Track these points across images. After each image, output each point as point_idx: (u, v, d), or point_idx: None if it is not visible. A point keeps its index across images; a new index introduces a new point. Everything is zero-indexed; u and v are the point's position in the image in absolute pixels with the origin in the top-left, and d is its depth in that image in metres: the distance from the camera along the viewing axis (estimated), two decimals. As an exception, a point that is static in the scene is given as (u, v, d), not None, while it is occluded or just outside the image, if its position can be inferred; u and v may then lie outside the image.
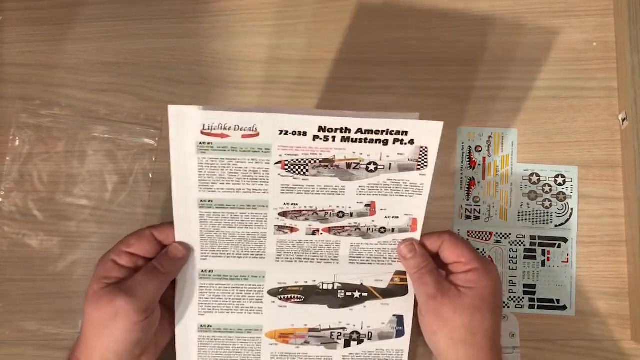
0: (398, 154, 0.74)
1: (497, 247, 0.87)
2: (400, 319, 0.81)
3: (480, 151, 0.88)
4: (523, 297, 0.86)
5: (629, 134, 0.84)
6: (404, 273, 0.80)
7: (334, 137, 0.72)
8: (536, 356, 0.85)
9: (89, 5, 0.91)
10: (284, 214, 0.76)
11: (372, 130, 0.72)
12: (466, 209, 0.87)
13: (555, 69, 0.89)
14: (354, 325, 0.81)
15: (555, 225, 0.87)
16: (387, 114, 0.72)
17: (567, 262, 0.86)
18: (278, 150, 0.72)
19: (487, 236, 0.87)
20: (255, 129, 0.71)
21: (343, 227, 0.78)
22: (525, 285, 0.86)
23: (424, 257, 0.77)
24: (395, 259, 0.80)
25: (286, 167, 0.74)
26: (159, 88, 0.89)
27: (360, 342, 0.81)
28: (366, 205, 0.77)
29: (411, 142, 0.73)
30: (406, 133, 0.72)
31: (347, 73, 0.89)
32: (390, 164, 0.74)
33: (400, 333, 0.82)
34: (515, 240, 0.87)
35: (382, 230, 0.78)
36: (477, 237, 0.87)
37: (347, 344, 0.81)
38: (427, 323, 0.76)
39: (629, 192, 0.85)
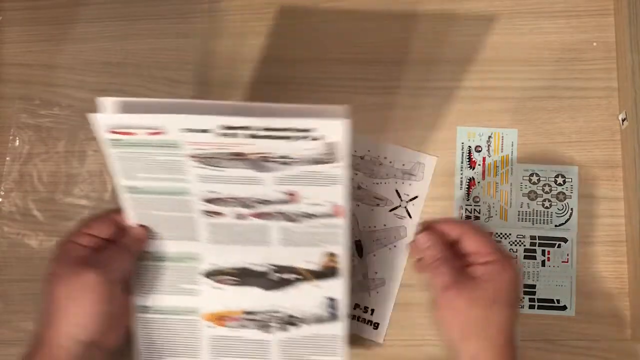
0: (308, 149, 0.71)
1: (498, 247, 0.87)
2: (333, 302, 0.81)
3: (480, 151, 0.88)
4: (523, 297, 0.86)
5: (629, 134, 0.84)
6: (334, 255, 0.79)
7: (237, 134, 0.70)
8: (536, 356, 0.85)
9: (89, 5, 0.91)
10: (209, 201, 0.77)
11: (277, 129, 0.69)
12: (466, 209, 0.87)
13: (555, 69, 0.89)
14: (288, 308, 0.81)
15: (555, 226, 0.87)
16: (299, 108, 0.70)
17: (567, 262, 0.86)
18: (186, 144, 0.71)
19: (488, 236, 0.87)
20: (160, 129, 0.70)
21: (269, 212, 0.77)
22: (525, 285, 0.86)
23: (440, 248, 0.77)
24: (326, 241, 0.79)
25: (199, 160, 0.73)
26: (159, 88, 0.89)
27: (295, 325, 0.81)
28: (288, 194, 0.76)
29: (319, 138, 0.70)
30: (311, 130, 0.69)
31: (347, 73, 0.89)
32: (302, 157, 0.72)
33: (334, 317, 0.81)
34: (515, 240, 0.87)
35: (309, 216, 0.78)
36: (478, 237, 0.87)
37: (282, 328, 0.81)
38: (441, 314, 0.75)
39: (629, 192, 0.85)
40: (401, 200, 0.87)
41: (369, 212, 0.87)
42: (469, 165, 0.88)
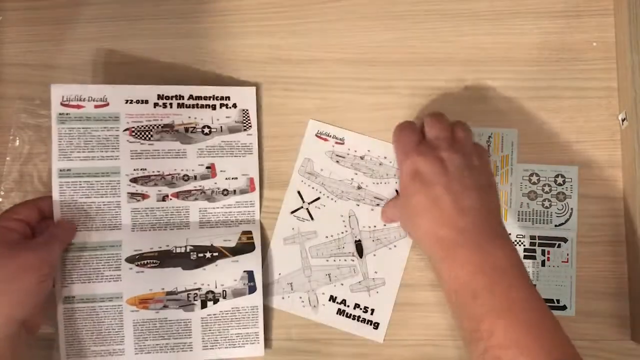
0: (226, 117, 0.87)
1: (498, 247, 0.87)
2: (250, 275, 0.85)
3: (480, 151, 0.88)
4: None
5: (629, 134, 0.84)
6: (250, 232, 0.86)
7: (171, 104, 0.86)
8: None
9: (89, 5, 0.91)
10: (134, 180, 0.85)
11: (201, 97, 0.86)
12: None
13: (555, 69, 0.89)
14: (208, 285, 0.85)
15: (555, 225, 0.87)
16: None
17: (567, 262, 0.86)
18: (125, 117, 0.84)
19: (488, 236, 0.87)
20: (106, 99, 0.84)
21: (189, 191, 0.86)
22: (525, 285, 0.86)
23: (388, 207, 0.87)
24: (240, 221, 0.87)
25: (133, 134, 0.84)
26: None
27: (215, 301, 0.85)
28: (207, 167, 0.87)
29: (234, 105, 0.87)
30: (229, 98, 0.87)
31: (347, 73, 0.89)
32: (221, 127, 0.87)
33: (252, 289, 0.85)
34: (515, 240, 0.87)
35: (225, 193, 0.87)
36: (478, 236, 0.87)
37: (203, 305, 0.85)
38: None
39: (628, 192, 0.85)
40: None
41: (369, 212, 0.87)
42: (469, 166, 0.88)
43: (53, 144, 0.83)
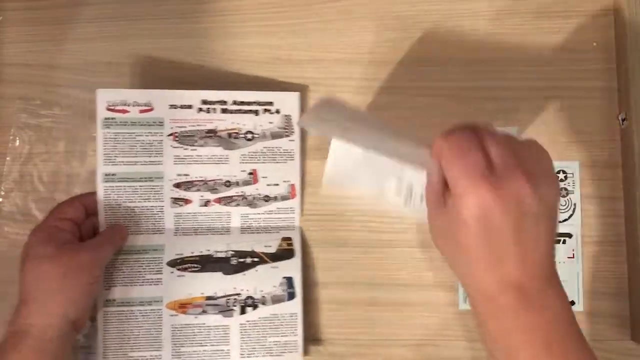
0: (269, 122, 0.87)
1: (500, 246, 0.86)
2: (290, 281, 0.85)
3: (480, 151, 0.88)
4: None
5: (629, 134, 0.84)
6: (289, 239, 0.86)
7: (214, 109, 0.86)
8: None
9: (89, 5, 0.91)
10: (178, 185, 0.85)
11: (244, 102, 0.86)
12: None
13: (555, 69, 0.89)
14: (248, 290, 0.85)
15: (560, 221, 0.87)
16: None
17: (573, 257, 0.87)
18: (170, 123, 0.85)
19: (490, 235, 0.87)
20: (150, 104, 0.84)
21: (231, 196, 0.86)
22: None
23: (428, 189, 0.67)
24: (281, 227, 0.87)
25: (177, 139, 0.85)
26: (159, 88, 0.89)
27: (255, 307, 0.84)
28: (249, 173, 0.87)
29: (277, 111, 0.87)
30: (272, 103, 0.87)
31: (347, 73, 0.90)
32: (264, 133, 0.87)
33: (291, 295, 0.85)
34: (518, 239, 0.87)
35: (266, 199, 0.87)
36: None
37: (242, 311, 0.84)
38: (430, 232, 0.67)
39: (629, 192, 0.86)
40: None
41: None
42: (469, 165, 0.88)
43: (98, 148, 0.84)
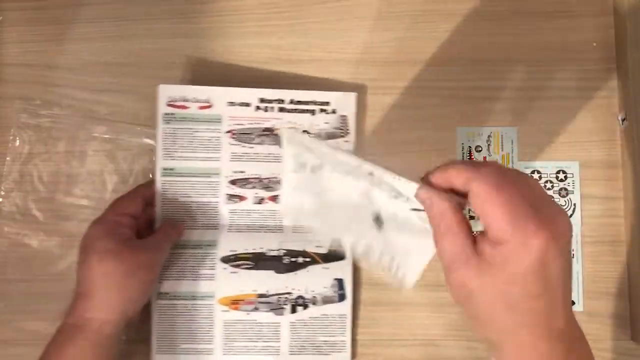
0: (324, 122, 0.87)
1: (501, 246, 0.86)
2: (340, 282, 0.86)
3: (480, 151, 0.88)
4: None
5: (629, 134, 0.85)
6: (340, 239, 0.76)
7: (272, 108, 0.86)
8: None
9: (89, 5, 0.91)
10: (233, 182, 0.86)
11: (302, 101, 0.87)
12: (469, 210, 0.87)
13: (555, 69, 0.89)
14: (299, 290, 0.85)
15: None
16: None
17: (573, 257, 0.87)
18: (228, 120, 0.86)
19: (491, 235, 0.87)
20: (209, 101, 0.85)
21: None
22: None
23: (440, 214, 0.59)
24: None
25: (235, 136, 0.86)
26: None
27: (305, 307, 0.85)
28: None
29: (333, 111, 0.87)
30: (328, 103, 0.87)
31: (348, 73, 0.90)
32: (319, 132, 0.87)
33: (342, 297, 0.85)
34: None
35: None
36: (481, 236, 0.87)
37: (293, 310, 0.85)
38: (454, 296, 0.58)
39: (629, 192, 0.86)
40: None
41: (389, 199, 0.64)
42: (469, 165, 0.88)
43: (158, 143, 0.85)
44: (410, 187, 0.62)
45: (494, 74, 0.89)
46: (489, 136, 0.88)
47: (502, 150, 0.88)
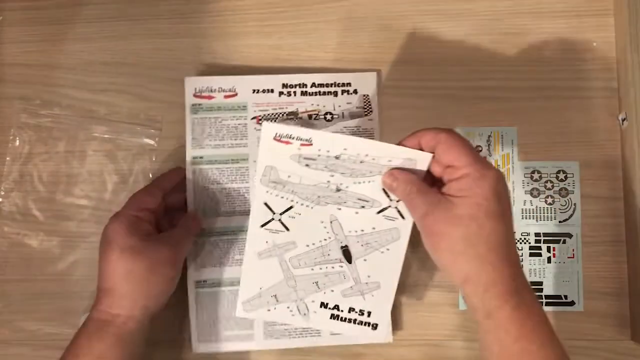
0: (347, 103, 0.89)
1: (502, 246, 0.87)
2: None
3: (480, 151, 0.88)
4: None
5: (629, 134, 0.85)
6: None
7: (294, 92, 0.88)
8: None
9: (89, 5, 0.91)
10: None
11: (323, 84, 0.89)
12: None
13: (555, 69, 0.89)
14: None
15: (559, 221, 0.87)
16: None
17: (573, 257, 0.87)
18: (253, 107, 0.88)
19: (492, 235, 0.87)
20: (234, 90, 0.88)
21: None
22: (532, 283, 0.86)
23: (408, 181, 0.72)
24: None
25: (260, 122, 0.88)
26: (159, 88, 0.89)
27: None
28: None
29: (355, 91, 0.89)
30: (350, 84, 0.89)
31: (347, 73, 0.89)
32: (343, 113, 0.89)
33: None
34: (520, 239, 0.87)
35: None
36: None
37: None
38: (426, 241, 0.71)
39: (629, 192, 0.86)
40: (390, 200, 0.78)
41: (353, 216, 0.79)
42: (470, 165, 0.88)
43: (187, 133, 0.87)
44: (392, 150, 0.73)
45: (493, 74, 0.89)
46: (489, 136, 0.88)
47: (502, 150, 0.88)
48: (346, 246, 0.80)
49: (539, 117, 0.88)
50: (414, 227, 0.77)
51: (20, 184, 0.88)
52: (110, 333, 0.74)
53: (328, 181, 0.77)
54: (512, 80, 0.89)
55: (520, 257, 0.86)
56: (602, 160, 0.88)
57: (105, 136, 0.88)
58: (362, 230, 0.80)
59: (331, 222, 0.80)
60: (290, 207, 0.79)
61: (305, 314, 0.82)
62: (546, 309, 0.85)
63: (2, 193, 0.88)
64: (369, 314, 0.82)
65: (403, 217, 0.78)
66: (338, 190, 0.78)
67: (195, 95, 0.87)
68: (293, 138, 0.75)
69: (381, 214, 0.79)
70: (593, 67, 0.89)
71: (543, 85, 0.89)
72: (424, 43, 0.90)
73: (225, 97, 0.88)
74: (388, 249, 0.80)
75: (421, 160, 0.73)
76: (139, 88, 0.90)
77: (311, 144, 0.74)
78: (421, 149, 0.72)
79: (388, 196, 0.77)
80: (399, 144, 0.74)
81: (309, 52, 0.90)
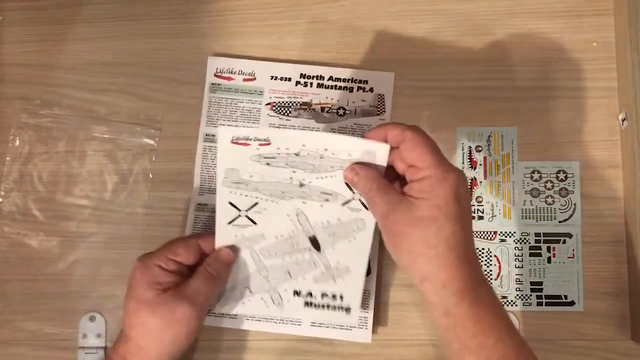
0: (361, 100, 0.89)
1: (502, 246, 0.87)
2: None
3: (480, 151, 0.88)
4: (530, 295, 0.86)
5: (629, 134, 0.84)
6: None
7: (311, 84, 0.90)
8: (536, 356, 0.85)
9: (89, 5, 0.91)
10: None
11: (340, 79, 0.90)
12: (469, 209, 0.87)
13: (555, 69, 0.89)
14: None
15: (559, 222, 0.87)
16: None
17: (573, 257, 0.87)
18: (269, 93, 0.90)
19: (492, 235, 0.87)
20: (254, 74, 0.90)
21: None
22: (532, 283, 0.86)
23: (369, 178, 0.73)
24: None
25: (274, 108, 0.90)
26: (159, 88, 0.89)
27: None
28: None
29: (371, 90, 0.89)
30: (367, 82, 0.89)
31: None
32: (355, 109, 0.89)
33: (368, 272, 0.84)
34: (520, 239, 0.87)
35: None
36: (482, 236, 0.87)
37: None
38: (387, 241, 0.72)
39: (628, 192, 0.86)
40: (353, 193, 0.77)
41: (318, 209, 0.79)
42: (470, 165, 0.88)
43: (203, 110, 0.89)
44: (350, 142, 0.74)
45: (494, 74, 0.89)
46: (489, 136, 0.88)
47: (502, 150, 0.88)
48: (314, 236, 0.81)
49: (539, 117, 0.88)
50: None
51: (20, 184, 0.88)
52: None
53: (291, 177, 0.78)
54: (512, 80, 0.89)
55: (521, 257, 0.87)
56: (602, 160, 0.88)
57: (105, 136, 0.88)
58: (328, 222, 0.80)
59: (297, 215, 0.80)
60: (256, 204, 0.80)
61: (279, 303, 0.83)
62: (546, 309, 0.85)
63: (2, 193, 0.88)
64: (341, 297, 0.82)
65: (367, 208, 0.77)
66: (301, 185, 0.78)
67: (216, 75, 0.89)
68: (250, 139, 0.76)
69: (345, 205, 0.79)
70: (593, 67, 0.89)
71: (543, 85, 0.89)
72: (423, 43, 0.90)
73: (244, 80, 0.90)
74: (355, 238, 0.80)
75: (380, 153, 0.73)
76: (139, 88, 0.90)
77: (269, 143, 0.76)
78: (392, 144, 0.73)
79: (351, 189, 0.77)
80: (365, 136, 0.74)
81: (308, 52, 0.90)
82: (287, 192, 0.79)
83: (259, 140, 0.75)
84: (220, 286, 0.81)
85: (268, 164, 0.77)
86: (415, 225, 0.68)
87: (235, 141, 0.76)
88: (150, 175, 0.88)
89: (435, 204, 0.68)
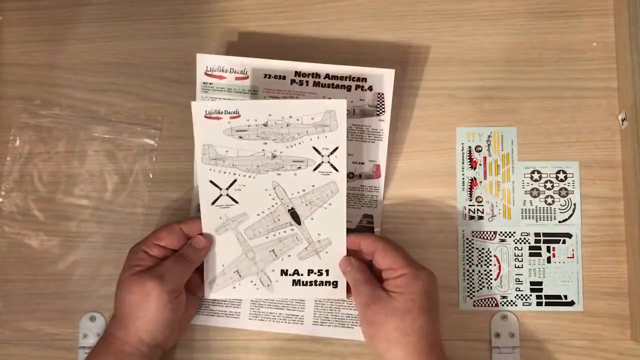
0: (360, 100, 0.87)
1: (502, 246, 0.87)
2: None
3: (480, 151, 0.88)
4: (530, 295, 0.86)
5: (629, 134, 0.84)
6: (370, 216, 0.88)
7: (307, 82, 0.87)
8: (536, 356, 0.85)
9: (89, 5, 0.91)
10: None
11: (337, 77, 0.87)
12: (469, 209, 0.87)
13: (555, 69, 0.89)
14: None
15: (559, 222, 0.87)
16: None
17: (573, 257, 0.87)
18: (263, 92, 0.87)
19: (492, 235, 0.87)
20: (246, 72, 0.87)
21: None
22: (532, 283, 0.86)
23: (360, 270, 0.82)
24: (362, 204, 0.88)
25: None
26: (159, 88, 0.89)
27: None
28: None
29: (370, 88, 0.87)
30: (365, 80, 0.87)
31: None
32: (354, 110, 0.87)
33: None
34: (520, 238, 0.87)
35: (351, 176, 0.88)
36: (482, 236, 0.87)
37: None
38: (365, 329, 0.80)
39: (629, 192, 0.86)
40: (322, 156, 0.82)
41: (292, 178, 0.83)
42: (470, 166, 0.88)
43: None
44: (310, 105, 0.80)
45: (494, 74, 0.89)
46: (489, 136, 0.88)
47: (502, 150, 0.88)
48: (293, 208, 0.84)
49: (539, 117, 0.88)
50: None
51: (21, 184, 0.88)
52: (110, 353, 0.79)
53: (263, 150, 0.82)
54: (512, 80, 0.89)
55: (520, 257, 0.86)
56: (602, 160, 0.88)
57: (106, 136, 0.88)
58: (304, 190, 0.83)
59: (274, 188, 0.83)
60: (235, 181, 0.83)
61: (268, 285, 0.85)
62: (546, 309, 0.85)
63: (3, 193, 0.88)
64: (327, 272, 0.85)
65: (337, 170, 0.82)
66: (274, 157, 0.82)
67: (206, 74, 0.87)
68: (222, 112, 0.80)
69: (317, 170, 0.83)
70: (593, 67, 0.89)
71: (543, 85, 0.89)
72: (423, 43, 0.90)
73: (237, 78, 0.87)
74: (330, 204, 0.83)
75: (340, 109, 0.80)
76: (139, 88, 0.90)
77: (239, 115, 0.80)
78: (360, 251, 0.83)
79: (319, 153, 0.81)
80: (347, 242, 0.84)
81: (308, 52, 0.90)
82: (262, 165, 0.82)
83: (229, 113, 0.80)
84: (192, 268, 0.82)
85: (240, 137, 0.81)
86: (392, 315, 0.78)
87: (208, 115, 0.80)
88: (150, 175, 0.88)
89: (410, 297, 0.78)
